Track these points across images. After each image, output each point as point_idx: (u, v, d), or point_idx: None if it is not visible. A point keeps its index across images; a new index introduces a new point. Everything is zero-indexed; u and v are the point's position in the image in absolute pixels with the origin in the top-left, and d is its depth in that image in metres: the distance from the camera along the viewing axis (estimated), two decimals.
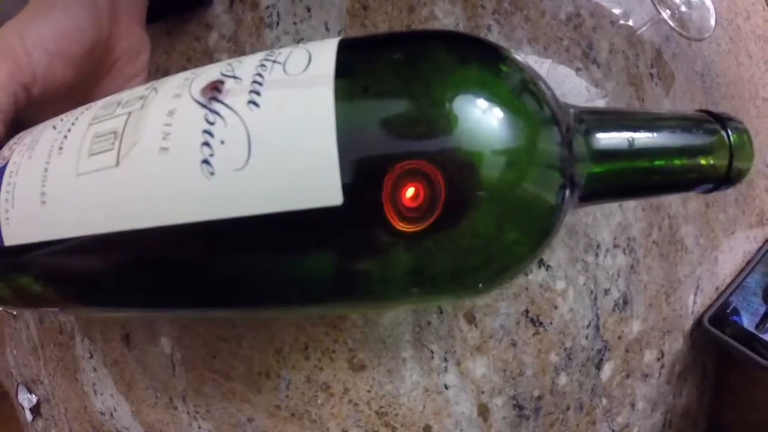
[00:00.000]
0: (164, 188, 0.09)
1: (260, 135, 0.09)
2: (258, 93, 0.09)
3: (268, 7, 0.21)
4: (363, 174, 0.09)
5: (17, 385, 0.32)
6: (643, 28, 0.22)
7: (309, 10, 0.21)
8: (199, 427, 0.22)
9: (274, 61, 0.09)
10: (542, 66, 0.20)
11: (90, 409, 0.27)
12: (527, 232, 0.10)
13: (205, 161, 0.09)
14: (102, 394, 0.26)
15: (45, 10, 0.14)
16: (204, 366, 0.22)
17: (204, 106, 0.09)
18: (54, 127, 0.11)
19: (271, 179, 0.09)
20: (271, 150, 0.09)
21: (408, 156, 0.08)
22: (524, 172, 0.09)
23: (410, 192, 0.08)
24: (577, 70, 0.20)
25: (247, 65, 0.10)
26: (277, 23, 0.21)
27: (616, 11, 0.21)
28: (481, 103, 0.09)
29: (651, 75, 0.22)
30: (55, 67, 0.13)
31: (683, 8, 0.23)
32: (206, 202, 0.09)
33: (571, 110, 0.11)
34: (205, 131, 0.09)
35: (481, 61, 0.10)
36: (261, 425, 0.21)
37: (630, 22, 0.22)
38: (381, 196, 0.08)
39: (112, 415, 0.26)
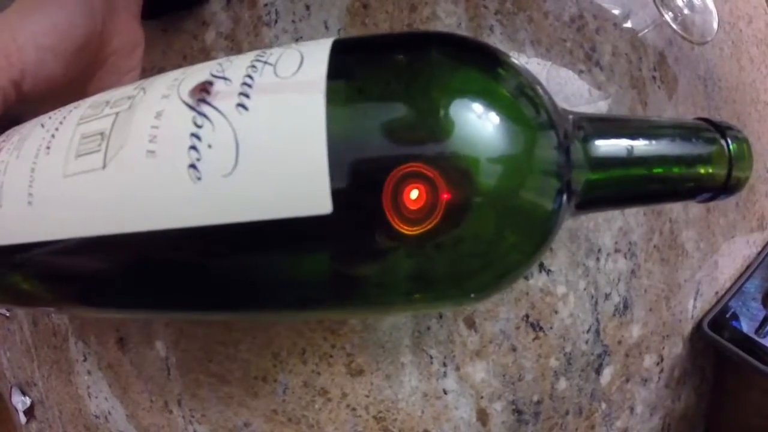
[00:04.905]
0: (151, 192, 0.09)
1: (248, 140, 0.08)
2: (247, 96, 0.09)
3: (266, 5, 0.21)
4: (359, 180, 0.08)
5: (11, 387, 0.31)
6: (646, 31, 0.22)
7: (308, 8, 0.20)
8: (195, 431, 0.22)
9: (265, 62, 0.09)
10: (544, 68, 0.20)
11: (84, 412, 0.27)
12: (523, 237, 0.10)
13: (192, 166, 0.08)
14: (97, 397, 0.26)
15: (37, 4, 0.13)
16: (200, 369, 0.21)
17: (192, 108, 0.09)
18: (42, 126, 0.11)
19: (259, 186, 0.08)
20: (259, 156, 0.08)
21: (406, 161, 0.08)
22: (519, 177, 0.09)
23: (413, 194, 0.08)
24: (580, 72, 0.20)
25: (237, 66, 0.09)
26: (276, 21, 0.21)
27: (619, 13, 0.21)
28: (478, 107, 0.09)
29: (654, 78, 0.22)
30: (46, 62, 0.13)
31: (686, 11, 0.22)
32: (193, 207, 0.09)
33: (570, 117, 0.11)
34: (193, 134, 0.09)
35: (478, 65, 0.10)
36: (258, 430, 0.21)
37: (632, 25, 0.21)
38: (380, 200, 0.08)
39: (106, 418, 0.26)
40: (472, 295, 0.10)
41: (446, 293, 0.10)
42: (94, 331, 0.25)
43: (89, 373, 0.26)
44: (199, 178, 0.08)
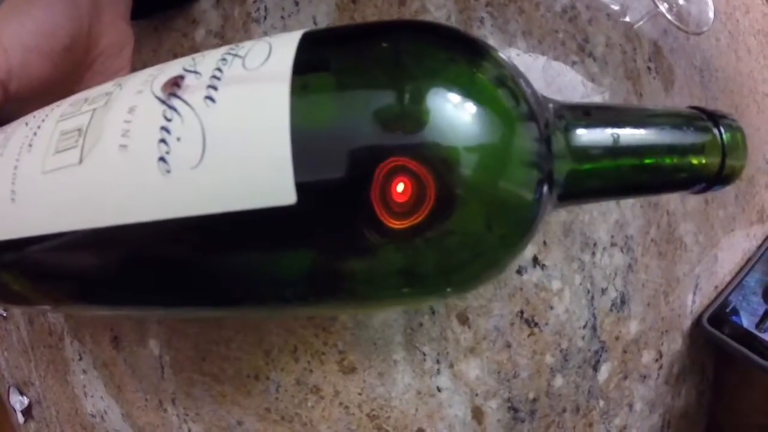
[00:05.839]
0: (124, 186, 0.09)
1: (215, 132, 0.08)
2: (215, 88, 0.09)
3: (255, 2, 0.21)
4: (324, 170, 0.08)
5: (8, 387, 0.31)
6: (641, 22, 0.21)
7: (297, 4, 0.20)
8: (189, 430, 0.22)
9: (235, 55, 0.09)
10: (537, 60, 0.20)
11: (81, 411, 0.27)
12: (504, 228, 0.10)
13: (162, 159, 0.08)
14: (93, 397, 0.26)
15: (23, 4, 0.13)
16: (193, 368, 0.21)
17: (163, 102, 0.09)
18: (26, 124, 0.11)
19: (224, 178, 0.08)
20: (224, 147, 0.08)
21: (385, 154, 0.08)
22: (497, 167, 0.09)
23: (398, 187, 0.08)
24: (573, 64, 0.20)
25: (209, 60, 0.09)
26: (265, 18, 0.20)
27: (614, 6, 0.21)
28: (454, 96, 0.09)
29: (649, 69, 0.22)
30: (32, 63, 0.13)
31: (681, 2, 0.22)
32: (163, 200, 0.09)
33: (551, 105, 0.10)
34: (163, 128, 0.09)
35: (452, 53, 0.09)
36: (251, 428, 0.21)
37: (627, 18, 0.21)
38: (353, 190, 0.08)
39: (103, 417, 0.26)
40: (453, 288, 0.10)
41: (426, 284, 0.10)
42: (89, 330, 0.25)
43: (85, 372, 0.26)
44: (168, 171, 0.08)
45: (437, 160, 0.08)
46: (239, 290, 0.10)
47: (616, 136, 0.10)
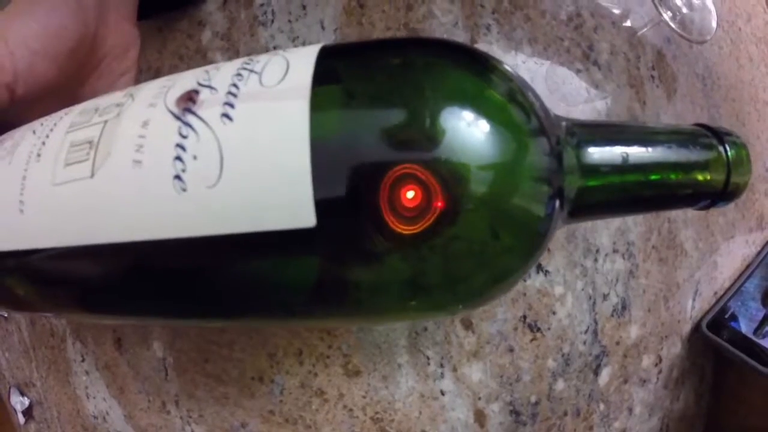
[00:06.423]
0: (137, 203, 0.09)
1: (232, 151, 0.08)
2: (232, 105, 0.09)
3: (262, 5, 0.21)
4: (346, 190, 0.08)
5: (9, 388, 0.31)
6: (644, 29, 0.22)
7: (304, 7, 0.20)
8: None
9: (251, 71, 0.09)
10: (541, 67, 0.20)
11: (83, 412, 0.27)
12: (515, 242, 0.10)
13: (177, 177, 0.08)
14: (94, 398, 0.26)
15: (28, 7, 0.13)
16: (196, 370, 0.21)
17: (178, 117, 0.09)
18: (34, 132, 0.11)
19: (242, 198, 0.08)
20: (242, 167, 0.08)
21: (396, 167, 0.08)
22: (508, 183, 0.09)
23: (407, 197, 0.08)
24: (578, 71, 0.20)
25: (223, 74, 0.09)
26: (272, 21, 0.20)
27: (617, 12, 0.21)
28: (468, 113, 0.09)
29: (652, 77, 0.22)
30: (38, 65, 0.13)
31: (684, 10, 0.22)
32: (178, 219, 0.08)
33: (563, 123, 0.11)
34: (178, 145, 0.08)
35: (468, 71, 0.09)
36: (254, 430, 0.21)
37: (630, 24, 0.21)
38: (370, 208, 0.08)
39: (104, 418, 0.26)
40: (464, 304, 0.10)
41: (440, 300, 0.10)
42: (91, 331, 0.25)
43: (87, 373, 0.26)
44: (184, 190, 0.08)
45: (451, 176, 0.08)
46: (246, 304, 0.10)
47: (624, 153, 0.10)
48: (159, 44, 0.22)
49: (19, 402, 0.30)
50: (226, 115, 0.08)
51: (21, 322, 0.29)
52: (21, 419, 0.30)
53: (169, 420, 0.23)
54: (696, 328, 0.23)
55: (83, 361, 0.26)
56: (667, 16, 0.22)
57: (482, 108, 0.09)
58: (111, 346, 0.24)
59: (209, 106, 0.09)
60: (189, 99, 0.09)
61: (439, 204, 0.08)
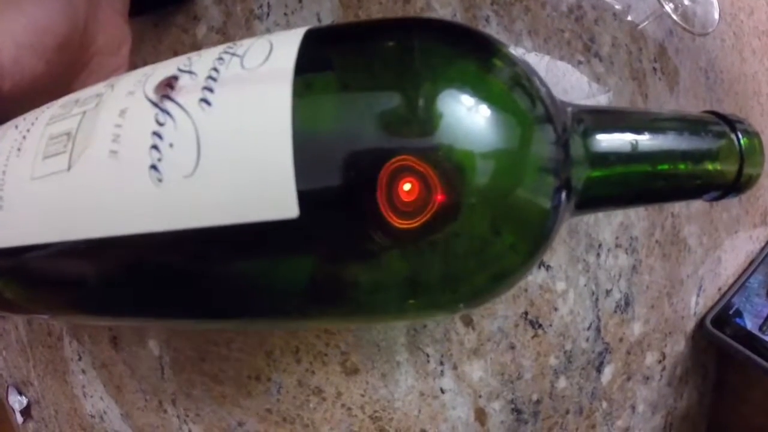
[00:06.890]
0: (114, 196, 0.08)
1: (210, 138, 0.08)
2: (211, 90, 0.08)
3: None
4: (332, 179, 0.08)
5: (8, 387, 0.31)
6: (646, 22, 0.21)
7: (300, 0, 0.20)
8: (190, 431, 0.22)
9: (233, 54, 0.09)
10: (542, 60, 0.19)
11: (80, 411, 0.26)
12: (520, 236, 0.09)
13: (154, 167, 0.08)
14: (92, 397, 0.26)
15: (15, 1, 0.13)
16: (193, 369, 0.21)
17: (155, 104, 0.08)
18: (16, 127, 0.11)
19: (220, 188, 0.08)
20: (220, 155, 0.08)
21: (390, 156, 0.08)
22: (513, 173, 0.08)
23: (403, 189, 0.08)
24: (579, 63, 0.20)
25: (205, 59, 0.09)
26: (268, 14, 0.20)
27: (618, 6, 0.21)
28: (467, 98, 0.08)
29: (654, 70, 0.21)
30: (25, 60, 0.13)
31: (687, 2, 0.22)
32: (155, 211, 0.08)
33: (569, 109, 0.10)
34: (155, 133, 0.08)
35: (468, 54, 0.09)
36: (252, 429, 0.21)
37: (632, 17, 0.21)
38: (364, 199, 0.08)
39: (102, 417, 0.26)
40: (465, 303, 0.09)
41: (440, 299, 0.09)
42: (87, 330, 0.25)
43: (84, 372, 0.25)
44: (160, 180, 0.08)
45: (450, 166, 0.08)
46: (236, 304, 0.10)
47: (634, 141, 0.10)
48: (154, 39, 0.22)
49: (17, 401, 0.30)
50: (204, 100, 0.08)
51: (18, 322, 0.29)
52: (19, 418, 0.30)
53: (166, 419, 0.23)
54: (700, 324, 0.23)
55: (80, 359, 0.25)
56: (669, 8, 0.21)
57: (484, 93, 0.08)
58: (107, 345, 0.24)
59: (188, 92, 0.08)
60: (168, 85, 0.08)
61: (439, 197, 0.08)
